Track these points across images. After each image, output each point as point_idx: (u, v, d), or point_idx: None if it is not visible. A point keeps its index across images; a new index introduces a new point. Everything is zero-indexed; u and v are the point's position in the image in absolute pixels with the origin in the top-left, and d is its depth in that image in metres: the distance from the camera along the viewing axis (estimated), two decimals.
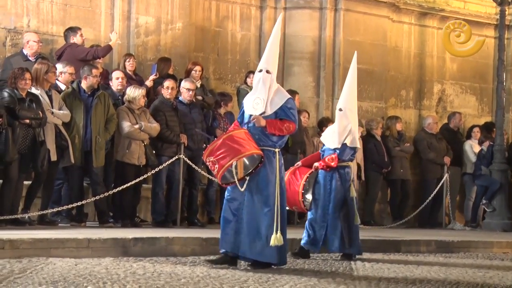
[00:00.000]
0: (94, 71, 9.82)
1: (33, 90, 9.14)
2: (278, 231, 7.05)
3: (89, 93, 9.83)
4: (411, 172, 13.78)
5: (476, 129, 14.10)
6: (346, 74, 13.41)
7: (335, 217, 8.50)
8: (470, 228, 13.57)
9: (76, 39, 10.71)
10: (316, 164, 8.54)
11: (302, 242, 8.59)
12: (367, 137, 13.13)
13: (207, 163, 7.12)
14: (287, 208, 8.46)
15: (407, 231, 11.89)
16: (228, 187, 7.21)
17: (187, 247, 8.23)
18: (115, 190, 9.50)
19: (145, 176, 10.01)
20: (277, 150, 7.21)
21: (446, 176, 13.37)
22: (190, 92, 10.72)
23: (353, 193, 8.61)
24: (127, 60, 11.07)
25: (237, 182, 7.03)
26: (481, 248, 10.51)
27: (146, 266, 7.05)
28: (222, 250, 7.24)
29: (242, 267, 7.34)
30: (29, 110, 8.86)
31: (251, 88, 12.21)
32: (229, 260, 7.21)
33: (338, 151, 8.50)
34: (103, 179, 9.86)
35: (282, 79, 13.07)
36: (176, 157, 10.36)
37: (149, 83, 11.06)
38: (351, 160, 8.69)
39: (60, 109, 9.40)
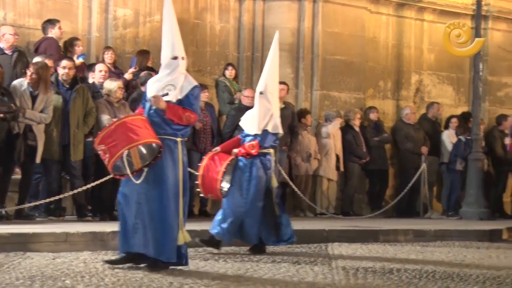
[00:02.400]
0: (65, 63, 9.80)
1: (16, 83, 9.16)
2: (184, 228, 6.54)
3: (67, 86, 9.82)
4: (389, 162, 13.88)
5: (454, 120, 14.22)
6: (325, 65, 13.63)
7: (254, 207, 7.99)
8: (447, 217, 13.69)
9: (54, 31, 10.68)
10: (235, 150, 8.04)
11: (214, 231, 8.03)
12: (345, 128, 13.20)
13: (99, 151, 6.43)
14: (202, 195, 8.19)
15: (385, 221, 11.99)
16: (123, 179, 6.56)
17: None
18: (93, 184, 9.50)
19: None
20: (179, 139, 6.58)
21: (423, 166, 13.48)
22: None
23: (275, 183, 8.12)
24: (106, 52, 11.07)
25: (129, 173, 6.36)
26: (458, 237, 10.61)
27: None
28: (122, 252, 6.60)
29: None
30: (1, 103, 8.83)
31: (229, 80, 12.32)
32: (131, 258, 6.58)
33: (259, 137, 8.01)
34: (81, 172, 9.85)
35: (261, 71, 13.04)
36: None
37: (128, 76, 11.06)
38: (273, 147, 8.17)
39: (42, 110, 9.35)
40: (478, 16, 13.86)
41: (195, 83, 6.82)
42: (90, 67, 10.78)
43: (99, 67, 10.53)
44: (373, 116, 13.56)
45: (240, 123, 8.41)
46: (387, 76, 14.52)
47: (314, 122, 13.13)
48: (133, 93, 10.68)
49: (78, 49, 10.84)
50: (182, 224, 6.53)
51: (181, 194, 6.52)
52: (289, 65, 13.21)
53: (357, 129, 13.28)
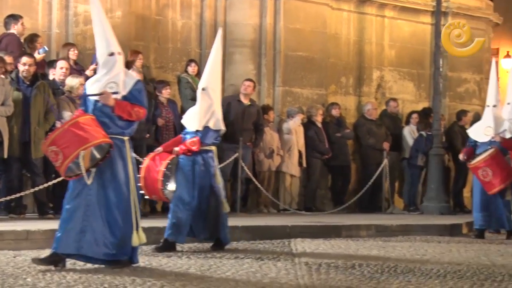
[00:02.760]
0: (25, 59, 9.70)
1: None
2: (139, 228, 6.45)
3: (28, 83, 9.72)
4: (352, 158, 13.97)
5: (414, 115, 14.34)
6: (287, 62, 13.67)
7: (199, 205, 7.94)
8: (409, 212, 13.82)
9: (17, 27, 10.57)
10: (176, 148, 7.95)
11: (166, 234, 7.92)
12: (308, 124, 13.25)
13: (48, 153, 6.26)
14: (147, 197, 8.07)
15: (348, 216, 12.07)
16: (70, 181, 6.42)
17: None
18: (55, 181, 9.42)
19: None
20: (126, 138, 6.51)
21: (385, 161, 13.58)
22: None
23: (219, 180, 8.06)
24: (70, 49, 10.96)
25: (84, 173, 6.25)
26: (419, 231, 10.72)
27: None
28: (55, 250, 6.36)
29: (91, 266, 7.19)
30: None
31: (191, 76, 12.29)
32: (58, 260, 6.37)
33: (200, 134, 7.94)
34: (42, 170, 9.76)
35: (223, 67, 13.08)
36: None
37: (89, 72, 10.97)
38: (215, 144, 8.10)
39: (3, 103, 9.25)
40: (438, 13, 14.01)
41: (137, 77, 6.77)
42: (51, 63, 10.67)
43: (60, 64, 10.44)
44: (335, 112, 13.63)
45: (182, 121, 8.35)
46: (349, 72, 14.60)
47: (276, 118, 13.17)
48: None
49: (39, 45, 10.73)
50: (136, 224, 6.44)
51: (132, 194, 6.45)
52: (251, 62, 13.21)
53: (319, 125, 13.33)
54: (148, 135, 10.96)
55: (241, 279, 6.10)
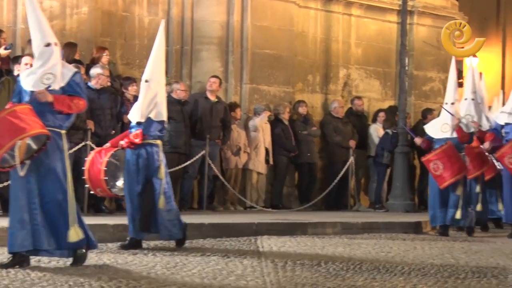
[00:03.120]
0: None
1: None
2: (75, 224, 6.27)
3: None
4: (318, 155, 14.02)
5: (381, 113, 14.44)
6: (254, 59, 13.67)
7: (145, 198, 7.78)
8: (374, 209, 13.91)
9: None
10: (121, 142, 7.88)
11: (130, 232, 7.87)
12: (274, 122, 13.28)
13: None
14: (92, 192, 8.05)
15: (314, 214, 12.12)
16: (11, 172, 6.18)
17: (94, 235, 8.15)
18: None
19: None
20: (63, 132, 6.34)
21: (351, 159, 13.66)
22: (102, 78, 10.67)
23: (162, 175, 7.84)
24: None
25: (18, 165, 6.01)
26: (384, 229, 10.80)
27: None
28: (12, 250, 6.19)
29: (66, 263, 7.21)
30: None
31: None
32: (22, 260, 6.22)
33: (142, 126, 7.83)
34: None
35: (190, 64, 13.08)
36: (83, 143, 10.26)
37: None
38: (160, 138, 7.96)
39: None
40: (404, 11, 14.13)
41: (75, 69, 6.65)
42: (16, 59, 10.55)
43: (24, 60, 10.31)
44: (302, 110, 13.67)
45: (128, 116, 8.28)
46: (316, 70, 14.66)
47: (243, 115, 13.17)
48: None
49: (3, 41, 10.62)
50: (74, 219, 6.28)
51: (69, 188, 6.30)
52: (218, 59, 13.20)
53: (286, 122, 13.37)
54: (113, 131, 10.91)
55: (207, 277, 6.10)
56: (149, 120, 7.84)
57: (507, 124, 10.46)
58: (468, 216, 10.50)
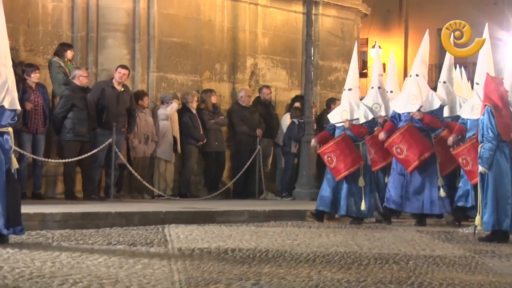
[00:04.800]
0: None
1: None
2: None
3: None
4: (226, 144, 14.07)
5: (297, 103, 14.54)
6: (161, 47, 13.57)
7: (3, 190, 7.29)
8: (281, 198, 14.06)
9: None
10: None
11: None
12: (182, 110, 13.24)
13: None
14: None
15: (222, 202, 12.16)
16: None
17: None
18: None
19: None
20: None
21: (258, 148, 13.77)
22: None
23: (15, 164, 7.42)
24: None
25: None
26: (291, 217, 10.94)
27: None
28: None
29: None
30: None
31: (63, 60, 12.03)
32: None
33: None
34: None
35: (96, 51, 12.88)
36: None
37: None
38: (11, 125, 7.42)
39: None
40: (310, 2, 14.32)
41: None
42: None
43: None
44: (213, 99, 13.68)
45: None
46: (223, 59, 14.68)
47: (151, 104, 13.08)
48: None
49: None
50: None
51: None
52: (125, 46, 13.05)
53: (194, 111, 13.35)
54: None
55: (113, 265, 6.06)
56: (2, 109, 7.30)
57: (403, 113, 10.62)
58: (373, 207, 10.68)
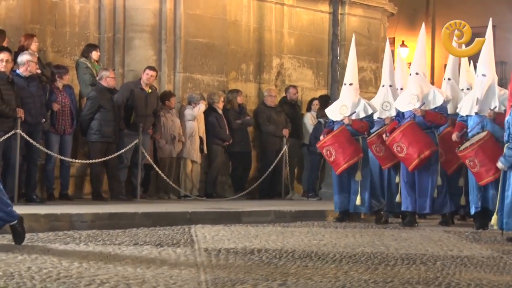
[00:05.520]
0: None
1: None
2: None
3: None
4: (252, 144, 14.07)
5: (315, 102, 14.54)
6: (187, 48, 13.61)
7: None
8: (307, 198, 14.02)
9: None
10: None
11: None
12: (208, 111, 13.26)
13: None
14: None
15: (248, 202, 12.16)
16: None
17: (24, 224, 8.04)
18: None
19: None
20: None
21: (285, 148, 13.75)
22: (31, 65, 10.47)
23: None
24: None
25: None
26: (317, 217, 10.91)
27: None
28: None
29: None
30: None
31: (90, 61, 12.10)
32: None
33: None
34: None
35: (123, 52, 12.95)
36: (13, 132, 10.09)
37: None
38: None
39: None
40: (336, 1, 14.27)
41: None
42: None
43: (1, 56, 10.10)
44: (239, 99, 13.69)
45: None
46: (249, 59, 14.68)
47: (177, 104, 13.12)
48: None
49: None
50: None
51: None
52: (151, 47, 13.10)
53: (220, 111, 13.37)
54: (44, 120, 10.77)
55: (140, 266, 6.07)
56: None
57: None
58: (370, 203, 10.55)
